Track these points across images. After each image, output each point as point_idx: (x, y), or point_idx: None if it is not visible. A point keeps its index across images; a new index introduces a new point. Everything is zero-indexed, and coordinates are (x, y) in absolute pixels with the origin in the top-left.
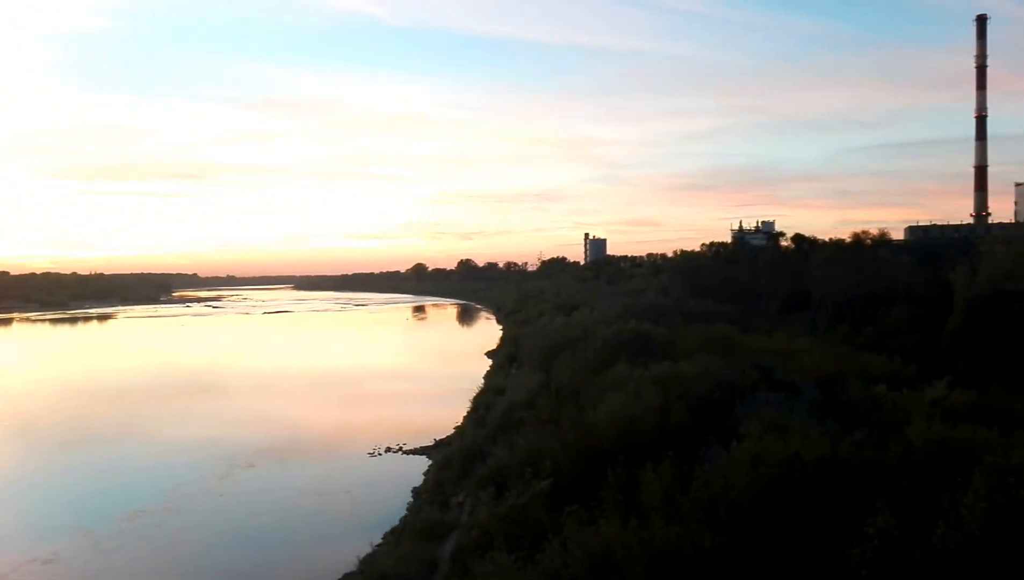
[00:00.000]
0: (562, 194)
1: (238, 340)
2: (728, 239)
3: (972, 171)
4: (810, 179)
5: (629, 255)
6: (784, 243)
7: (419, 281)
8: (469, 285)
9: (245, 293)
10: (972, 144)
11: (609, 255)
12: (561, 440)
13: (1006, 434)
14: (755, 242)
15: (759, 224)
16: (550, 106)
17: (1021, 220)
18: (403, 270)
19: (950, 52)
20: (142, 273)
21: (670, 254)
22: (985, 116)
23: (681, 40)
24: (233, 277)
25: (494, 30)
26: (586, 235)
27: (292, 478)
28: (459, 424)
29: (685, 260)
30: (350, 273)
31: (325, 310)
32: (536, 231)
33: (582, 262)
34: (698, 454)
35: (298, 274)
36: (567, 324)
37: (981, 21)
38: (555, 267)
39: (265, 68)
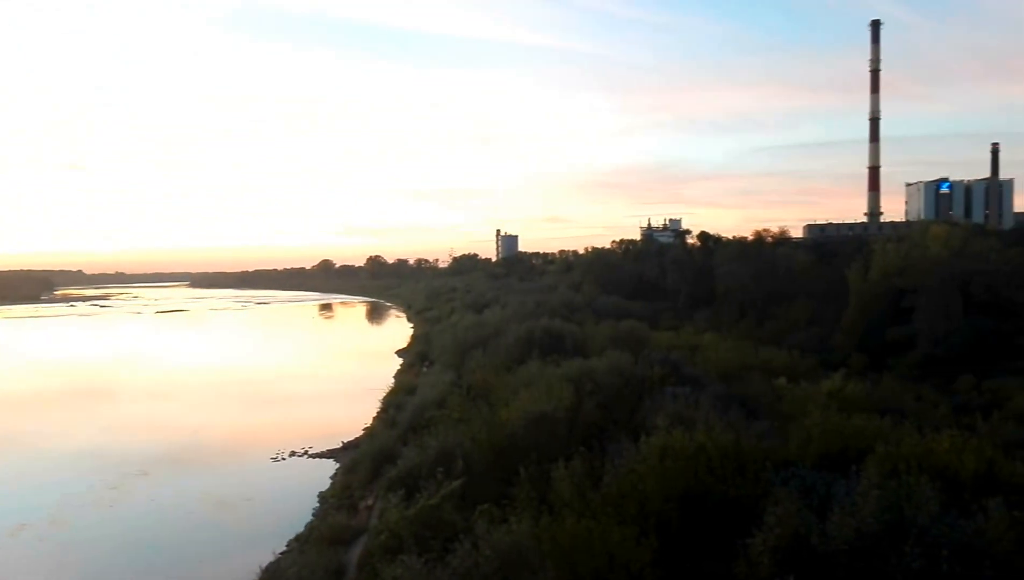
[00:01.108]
0: (474, 190)
1: (129, 341)
2: (638, 237)
3: (866, 171)
4: (715, 178)
5: (541, 252)
6: (690, 241)
7: (326, 278)
8: (379, 282)
9: (136, 291)
10: (867, 145)
11: (521, 252)
12: (473, 439)
13: (897, 423)
14: (663, 240)
15: (667, 222)
16: (462, 100)
17: (911, 219)
18: (309, 267)
19: (847, 56)
20: (20, 270)
21: (581, 251)
22: (878, 118)
23: (589, 38)
24: (123, 274)
25: (406, 23)
26: (498, 232)
27: (189, 486)
28: (368, 425)
29: (596, 257)
30: (251, 269)
31: (224, 309)
32: (448, 227)
33: (494, 259)
34: (609, 449)
35: (194, 271)
36: (479, 322)
37: (875, 26)
38: (467, 264)
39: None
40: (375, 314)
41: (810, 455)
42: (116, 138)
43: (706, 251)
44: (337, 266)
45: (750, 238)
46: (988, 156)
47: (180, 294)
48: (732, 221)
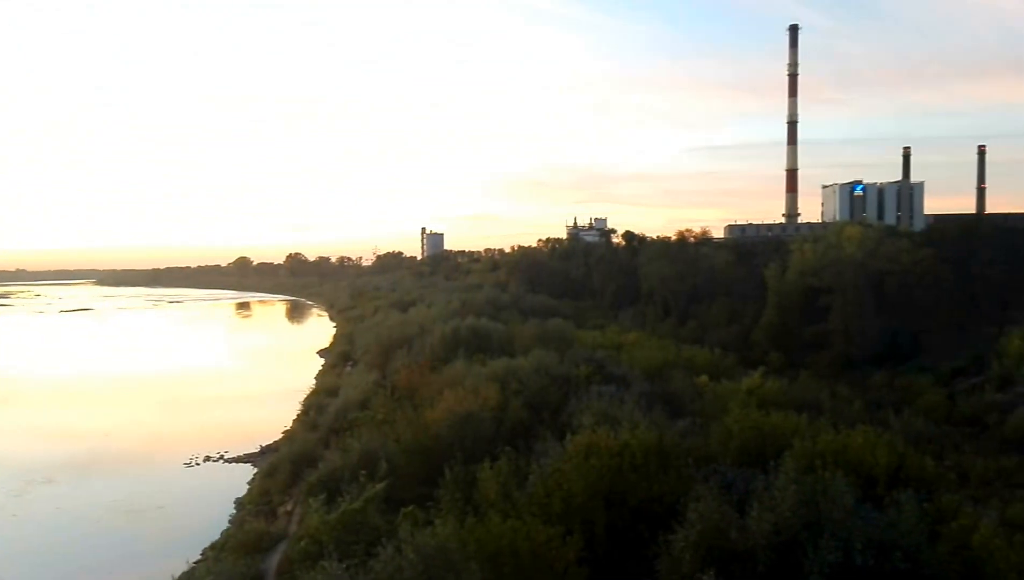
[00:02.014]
0: (399, 187)
1: (33, 342)
2: (564, 236)
3: (784, 173)
4: (640, 179)
5: (467, 251)
6: (616, 240)
7: (243, 276)
8: (299, 281)
9: (39, 289)
10: (785, 148)
11: (447, 250)
12: (397, 440)
13: (814, 420)
14: (589, 239)
15: (592, 222)
16: (382, 95)
17: (828, 220)
18: (224, 264)
19: (767, 60)
20: None
21: (508, 250)
22: (796, 122)
23: (519, 37)
24: (24, 271)
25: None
26: (423, 230)
27: (98, 494)
28: (288, 428)
29: (522, 256)
30: (163, 266)
31: (134, 308)
32: (372, 224)
33: (419, 257)
34: (534, 448)
35: (102, 268)
36: (404, 321)
37: (793, 31)
38: (391, 262)
39: None
40: (295, 313)
41: (731, 451)
42: (23, 134)
43: (631, 250)
44: (255, 264)
45: (673, 238)
46: (900, 159)
47: (86, 292)
48: (656, 221)
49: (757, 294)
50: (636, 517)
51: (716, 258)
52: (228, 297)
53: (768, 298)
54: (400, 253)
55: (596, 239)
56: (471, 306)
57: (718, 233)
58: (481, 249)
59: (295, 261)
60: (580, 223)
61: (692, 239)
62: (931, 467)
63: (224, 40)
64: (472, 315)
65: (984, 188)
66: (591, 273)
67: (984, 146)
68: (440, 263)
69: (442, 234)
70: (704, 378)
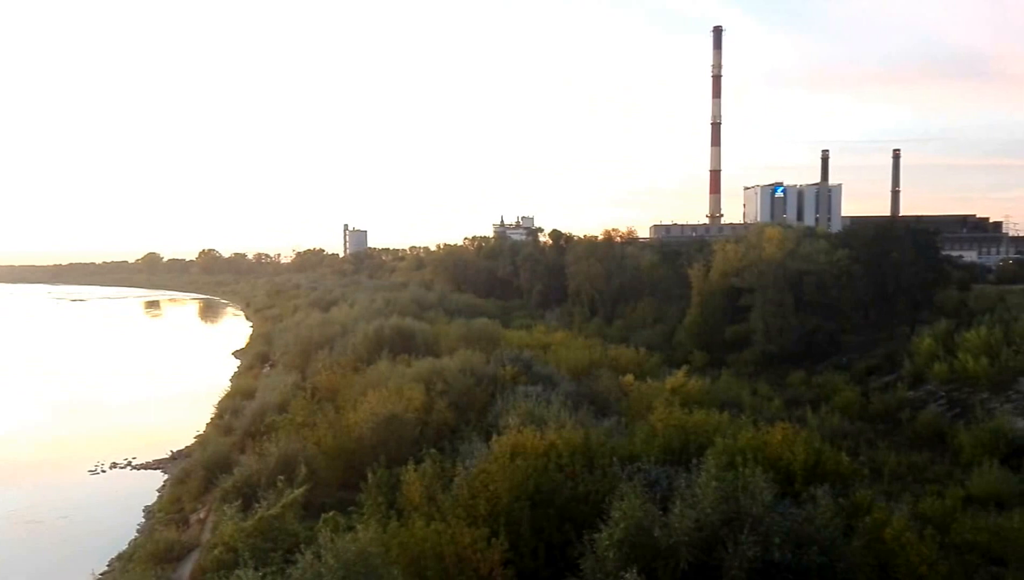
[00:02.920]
0: (321, 182)
1: None
2: (491, 234)
3: (709, 174)
4: (568, 177)
5: (392, 248)
6: (543, 239)
7: (152, 273)
8: (213, 278)
9: None
10: (709, 149)
11: (371, 248)
12: (318, 444)
13: (735, 417)
14: (516, 237)
15: (520, 220)
16: (305, 87)
17: (749, 221)
18: (132, 261)
19: (691, 60)
20: None
21: (434, 248)
22: (719, 123)
23: (445, 36)
24: None
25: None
26: (345, 227)
27: None
28: (201, 433)
29: (448, 254)
30: (65, 263)
31: (30, 305)
32: (293, 220)
33: (341, 255)
34: (460, 450)
35: None
36: (325, 320)
37: (717, 33)
38: (312, 259)
39: None
40: (209, 312)
41: (655, 450)
42: None
43: (558, 249)
44: (165, 260)
45: (600, 237)
46: (819, 162)
47: None
48: (584, 220)
49: (682, 294)
50: (562, 517)
51: (642, 258)
52: (136, 295)
53: (692, 298)
54: (321, 250)
55: (523, 238)
56: (395, 305)
57: (644, 233)
58: (406, 247)
59: (208, 257)
60: (507, 222)
61: (618, 239)
62: (846, 463)
63: (128, 30)
64: (396, 314)
65: (898, 191)
66: (518, 272)
67: (899, 150)
68: (363, 261)
69: (365, 231)
70: (629, 377)
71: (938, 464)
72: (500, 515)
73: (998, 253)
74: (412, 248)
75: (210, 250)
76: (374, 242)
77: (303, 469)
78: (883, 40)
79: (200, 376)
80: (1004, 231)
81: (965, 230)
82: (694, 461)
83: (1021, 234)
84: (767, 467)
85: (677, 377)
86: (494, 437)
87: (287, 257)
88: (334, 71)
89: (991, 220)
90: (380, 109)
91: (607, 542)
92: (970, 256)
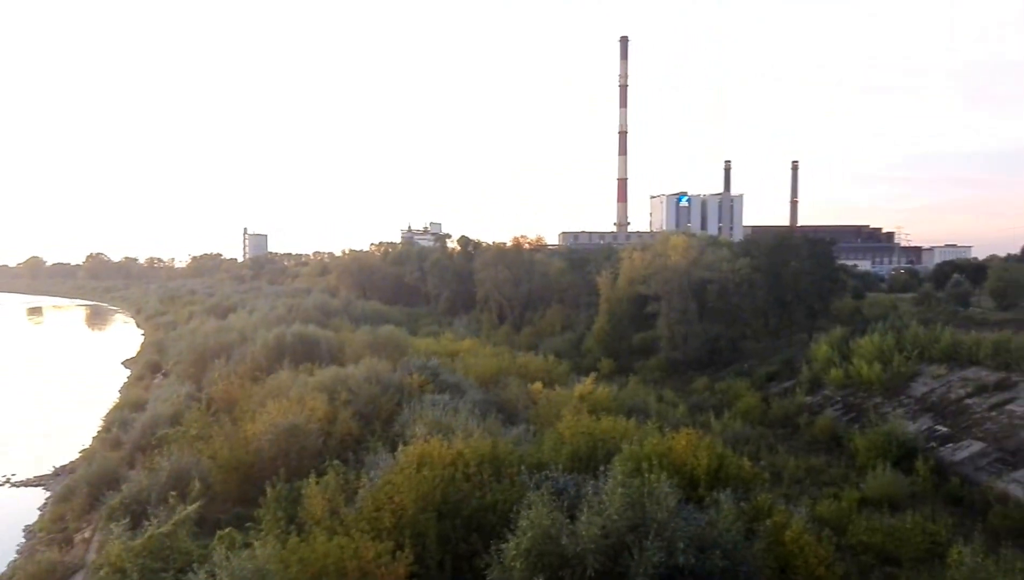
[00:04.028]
0: (220, 184)
1: None
2: (398, 240)
3: (616, 183)
4: (477, 184)
5: (294, 253)
6: (451, 245)
7: (34, 278)
8: (101, 284)
9: None
10: (617, 158)
11: (272, 253)
12: (213, 457)
13: (641, 424)
14: (424, 243)
15: (428, 226)
16: (225, 85)
17: (656, 229)
18: (13, 265)
19: (599, 69)
20: None
21: (339, 253)
22: (626, 132)
23: (362, 39)
24: None
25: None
26: (245, 230)
27: None
28: (87, 447)
29: (354, 260)
30: None
31: None
32: (189, 224)
33: (240, 260)
34: (365, 461)
35: None
36: (222, 328)
37: (623, 43)
38: (208, 264)
39: None
40: (97, 319)
41: (563, 457)
42: None
43: (467, 256)
44: (49, 265)
45: (509, 244)
46: (723, 172)
47: None
48: (492, 227)
49: (590, 301)
50: (469, 527)
51: (550, 265)
52: (16, 301)
53: (600, 305)
54: (219, 255)
55: (431, 244)
56: (298, 312)
57: (553, 240)
58: (309, 252)
59: (96, 262)
60: (415, 227)
61: (527, 246)
62: (748, 467)
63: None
64: (299, 321)
65: (796, 201)
66: (426, 278)
67: (797, 162)
68: (264, 266)
69: (266, 235)
70: (538, 385)
71: (835, 467)
72: (406, 527)
73: (891, 263)
74: (316, 253)
75: (98, 254)
76: (276, 247)
77: (197, 484)
78: (783, 51)
79: (86, 387)
80: (896, 242)
81: (860, 240)
82: (602, 468)
83: (912, 244)
84: (672, 473)
85: (585, 384)
86: (400, 447)
87: (182, 262)
88: (233, 68)
89: (884, 231)
90: (282, 109)
91: (514, 552)
92: (864, 265)
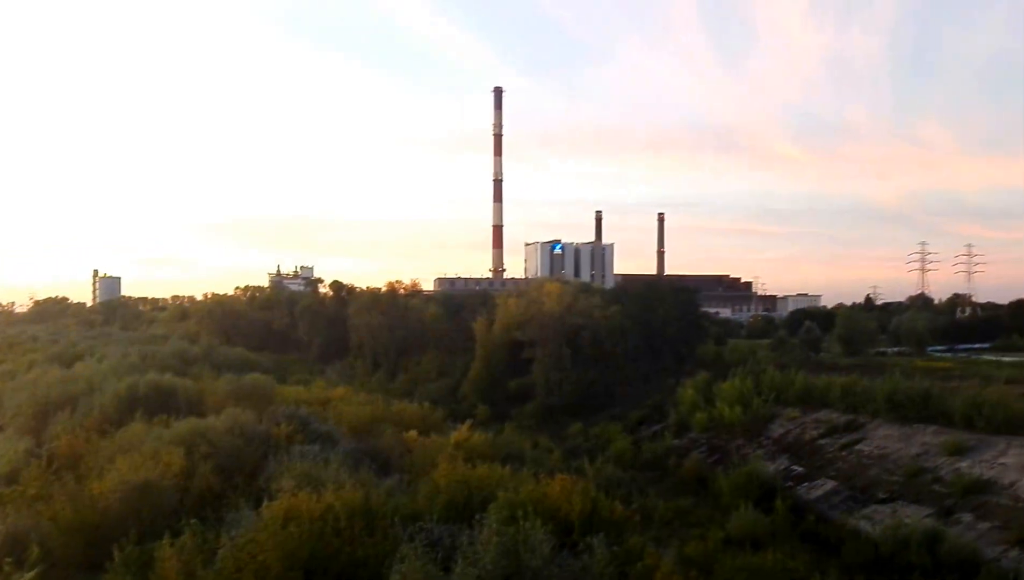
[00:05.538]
0: (66, 225)
1: None
2: (266, 283)
3: (492, 229)
4: (349, 227)
5: (150, 297)
6: (323, 290)
7: None
8: None
9: None
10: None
11: (125, 297)
12: (55, 518)
13: (517, 470)
14: (294, 288)
15: (298, 270)
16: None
17: (531, 275)
18: None
19: (474, 116)
20: None
21: (200, 298)
22: (501, 180)
23: (227, 85)
24: None
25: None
26: (95, 273)
27: None
28: None
29: (217, 304)
30: None
31: None
32: (31, 265)
33: (90, 304)
34: (226, 518)
35: None
36: (67, 377)
37: (498, 93)
38: (53, 309)
39: None
40: None
41: (438, 507)
42: None
43: (339, 301)
44: None
45: (383, 289)
46: (594, 221)
47: None
48: (366, 271)
49: (466, 347)
50: None
51: (426, 310)
52: None
53: (476, 351)
54: (65, 299)
55: (302, 288)
56: (153, 360)
57: (428, 285)
58: (167, 296)
59: None
60: (284, 271)
61: (402, 291)
62: (620, 511)
63: None
64: (154, 370)
65: (663, 251)
66: (296, 324)
67: (663, 213)
68: (116, 311)
69: (119, 278)
70: (413, 433)
71: (701, 508)
72: None
73: (749, 310)
74: (175, 297)
75: None
76: (129, 291)
77: (35, 549)
78: (650, 110)
79: None
80: (754, 290)
81: (721, 289)
82: (477, 516)
83: (768, 293)
84: (547, 519)
85: (461, 431)
86: (265, 502)
87: (22, 306)
88: (73, 98)
89: (743, 280)
90: (135, 139)
91: None
92: (725, 313)
